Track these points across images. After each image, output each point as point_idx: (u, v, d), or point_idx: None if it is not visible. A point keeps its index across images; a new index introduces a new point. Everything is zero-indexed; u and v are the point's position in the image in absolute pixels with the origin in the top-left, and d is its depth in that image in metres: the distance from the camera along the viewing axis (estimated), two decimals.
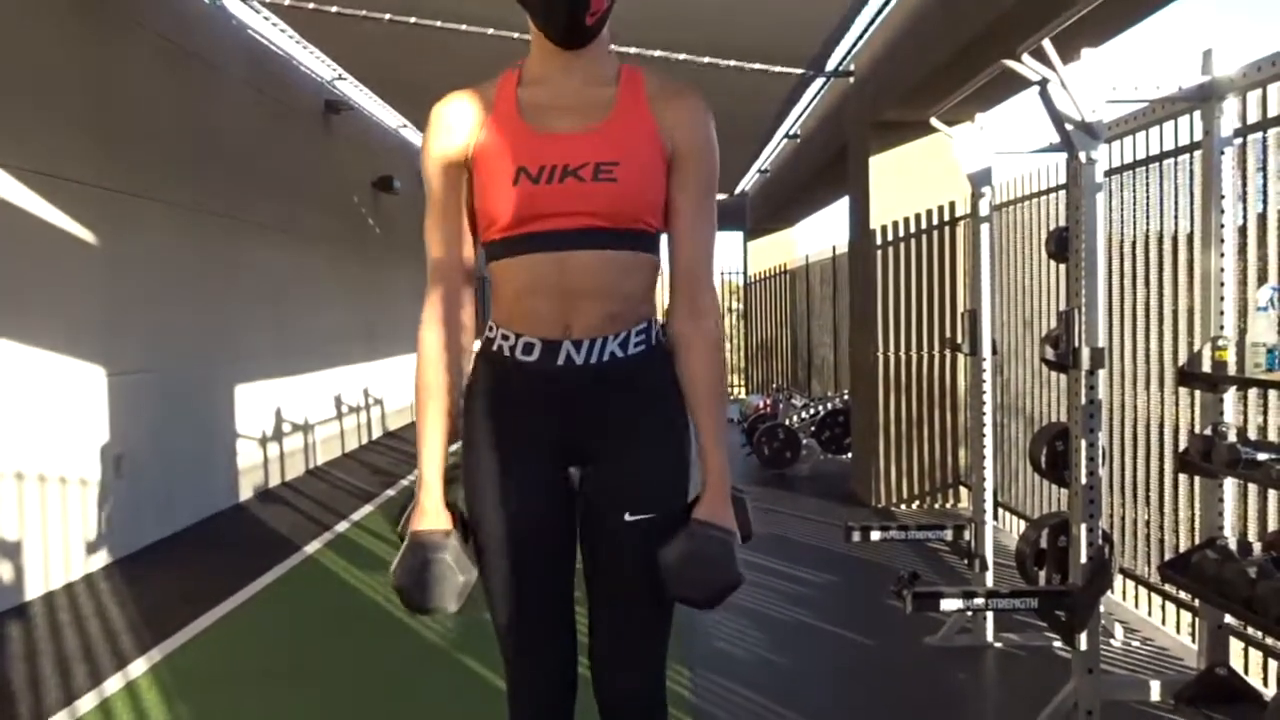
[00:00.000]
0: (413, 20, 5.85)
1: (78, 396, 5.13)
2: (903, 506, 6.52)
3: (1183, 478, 3.91)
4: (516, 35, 5.66)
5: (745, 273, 15.47)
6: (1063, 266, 3.69)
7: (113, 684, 3.56)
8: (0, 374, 4.52)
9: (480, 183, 1.25)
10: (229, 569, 5.11)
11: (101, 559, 5.26)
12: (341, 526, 6.19)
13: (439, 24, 5.80)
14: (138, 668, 3.72)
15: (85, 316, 5.24)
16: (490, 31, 5.71)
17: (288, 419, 8.01)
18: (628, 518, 1.30)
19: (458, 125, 1.25)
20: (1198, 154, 3.31)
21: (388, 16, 5.84)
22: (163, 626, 4.18)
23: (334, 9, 5.85)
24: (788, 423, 8.13)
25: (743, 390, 14.95)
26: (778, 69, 6.63)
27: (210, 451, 6.68)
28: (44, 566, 4.77)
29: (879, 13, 5.91)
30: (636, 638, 1.35)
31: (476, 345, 1.38)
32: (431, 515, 1.29)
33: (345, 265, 9.66)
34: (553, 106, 1.23)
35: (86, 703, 3.40)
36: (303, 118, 8.57)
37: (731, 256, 15.52)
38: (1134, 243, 4.20)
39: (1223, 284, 2.90)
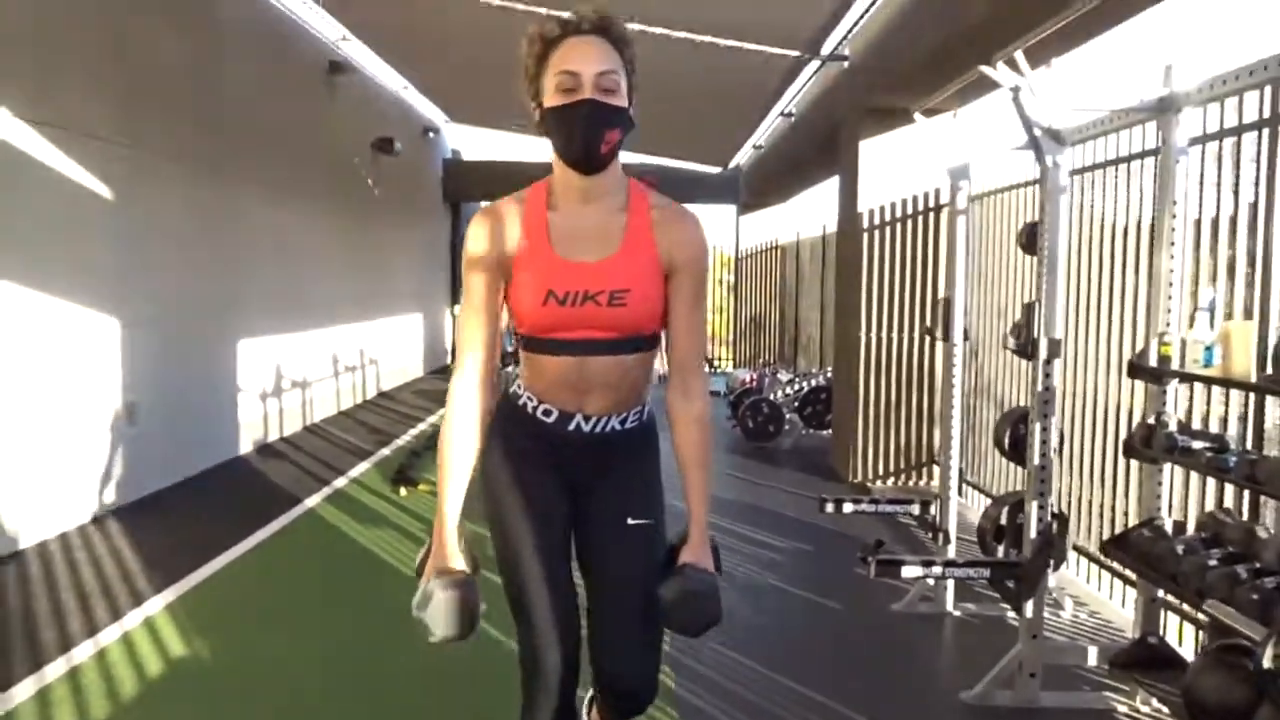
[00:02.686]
0: None
1: (93, 345, 5.35)
2: (878, 483, 6.78)
3: (1133, 461, 4.18)
4: (521, 7, 5.83)
5: (737, 247, 15.55)
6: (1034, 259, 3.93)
7: (132, 619, 3.82)
8: (19, 319, 4.73)
9: (516, 293, 1.52)
10: (233, 519, 5.36)
11: (111, 504, 5.49)
12: (340, 482, 6.44)
13: None
14: (154, 605, 3.98)
15: (102, 269, 5.44)
16: (496, 1, 5.89)
17: (287, 375, 8.23)
18: (630, 521, 1.62)
19: (497, 240, 1.51)
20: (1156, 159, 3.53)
21: None
22: (175, 569, 4.43)
23: None
24: (772, 398, 8.37)
25: (730, 364, 15.16)
26: (774, 50, 6.78)
27: (214, 405, 6.90)
28: (57, 509, 5.01)
29: (873, 1, 6.07)
30: (639, 629, 1.63)
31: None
32: (451, 556, 1.59)
33: (344, 226, 9.83)
34: (576, 237, 1.50)
35: (109, 634, 3.65)
36: (307, 78, 8.72)
37: (724, 230, 15.49)
38: (1102, 234, 4.44)
39: (1171, 284, 3.15)
